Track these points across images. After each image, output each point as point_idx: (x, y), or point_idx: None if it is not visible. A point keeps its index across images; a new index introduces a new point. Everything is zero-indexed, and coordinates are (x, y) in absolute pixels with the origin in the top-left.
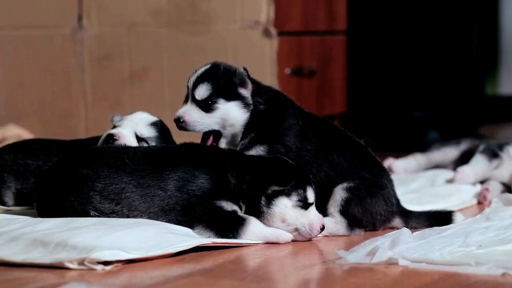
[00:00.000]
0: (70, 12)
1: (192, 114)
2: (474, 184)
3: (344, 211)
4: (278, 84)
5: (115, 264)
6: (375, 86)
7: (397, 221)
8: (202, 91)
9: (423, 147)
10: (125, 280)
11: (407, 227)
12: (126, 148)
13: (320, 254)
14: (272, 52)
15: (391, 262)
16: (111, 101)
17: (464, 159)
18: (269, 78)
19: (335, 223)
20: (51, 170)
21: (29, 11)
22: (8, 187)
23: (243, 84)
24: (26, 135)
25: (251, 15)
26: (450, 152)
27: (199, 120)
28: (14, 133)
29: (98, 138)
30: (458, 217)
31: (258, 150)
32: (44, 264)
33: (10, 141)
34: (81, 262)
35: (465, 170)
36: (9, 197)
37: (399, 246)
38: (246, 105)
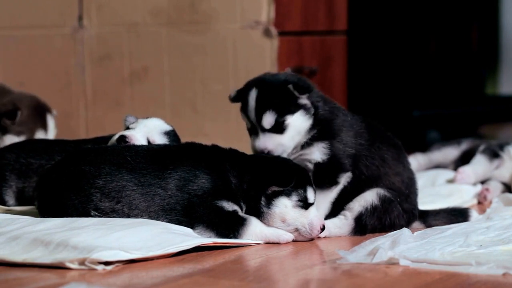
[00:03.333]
0: (70, 12)
1: (271, 142)
2: (475, 184)
3: (360, 218)
4: None
5: (116, 264)
6: (375, 86)
7: (415, 225)
8: (269, 120)
9: (423, 147)
10: (126, 280)
11: (427, 227)
12: (128, 147)
13: (321, 254)
14: (272, 52)
15: (392, 262)
16: (111, 100)
17: (464, 159)
18: None
19: (339, 227)
20: (53, 168)
21: (29, 11)
22: (9, 186)
23: (299, 94)
24: None
25: (252, 15)
26: (451, 152)
27: (280, 143)
28: None
29: (101, 138)
30: (474, 214)
31: (319, 146)
32: (45, 264)
33: None
34: (82, 262)
35: (466, 170)
36: (9, 196)
37: (399, 246)
38: (307, 110)
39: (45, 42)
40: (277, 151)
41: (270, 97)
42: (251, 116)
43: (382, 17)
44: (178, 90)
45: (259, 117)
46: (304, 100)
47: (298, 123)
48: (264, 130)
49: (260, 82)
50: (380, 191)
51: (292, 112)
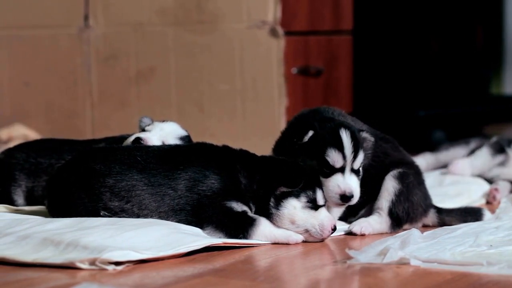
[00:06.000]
0: (76, 11)
1: (357, 186)
2: (473, 175)
3: (391, 212)
4: (284, 84)
5: (127, 264)
6: (381, 86)
7: (431, 214)
8: (360, 159)
9: (429, 147)
10: (136, 280)
11: (441, 221)
12: (139, 147)
13: (331, 254)
14: (279, 51)
15: (402, 262)
16: (117, 100)
17: None
18: (275, 78)
19: (380, 223)
20: (63, 167)
21: (35, 10)
22: (19, 185)
23: (365, 141)
24: (32, 135)
25: (258, 15)
26: (459, 152)
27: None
28: (21, 132)
29: (111, 138)
30: (487, 214)
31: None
32: (55, 264)
33: (17, 141)
34: (93, 262)
35: (460, 162)
36: (18, 195)
37: (409, 246)
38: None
39: (51, 42)
40: (356, 198)
41: (359, 139)
42: (348, 154)
43: (387, 17)
44: (184, 90)
45: (355, 156)
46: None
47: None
48: (352, 171)
49: (345, 125)
50: (394, 172)
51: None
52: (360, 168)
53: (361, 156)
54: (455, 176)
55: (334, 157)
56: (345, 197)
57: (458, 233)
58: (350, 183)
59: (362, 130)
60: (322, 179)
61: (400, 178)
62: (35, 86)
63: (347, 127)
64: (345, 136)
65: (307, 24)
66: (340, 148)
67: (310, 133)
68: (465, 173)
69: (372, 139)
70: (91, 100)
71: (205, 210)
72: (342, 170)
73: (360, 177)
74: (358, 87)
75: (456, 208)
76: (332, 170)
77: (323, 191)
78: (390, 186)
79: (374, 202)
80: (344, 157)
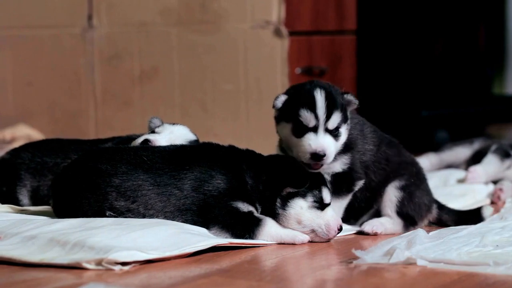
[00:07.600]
0: (80, 11)
1: (330, 144)
2: (486, 183)
3: (400, 212)
4: (288, 83)
5: (133, 264)
6: (384, 86)
7: (434, 210)
8: (335, 120)
9: (432, 147)
10: (143, 280)
11: (438, 217)
12: (145, 147)
13: (337, 254)
14: (283, 51)
15: (409, 262)
16: (120, 100)
17: (476, 158)
18: (279, 77)
19: (393, 224)
20: (69, 166)
21: (39, 10)
22: (24, 185)
23: (349, 105)
24: (36, 135)
25: (262, 15)
26: (462, 152)
27: (334, 148)
28: (24, 132)
29: (116, 138)
30: (486, 211)
31: (342, 159)
32: (62, 264)
33: (21, 141)
34: (99, 263)
35: (477, 170)
36: (24, 195)
37: (416, 246)
38: (348, 123)
39: (54, 41)
40: (330, 157)
41: (337, 100)
42: (320, 113)
43: (390, 17)
44: (188, 90)
45: (329, 115)
46: (349, 113)
47: (344, 134)
48: (326, 131)
49: (321, 85)
50: (396, 183)
51: (345, 121)
52: (341, 130)
53: (336, 117)
54: (460, 176)
55: (306, 117)
56: (316, 156)
57: (463, 233)
58: (323, 142)
59: (347, 92)
60: (295, 139)
61: (402, 189)
62: (38, 86)
63: (322, 87)
64: (319, 96)
65: (311, 24)
66: (312, 108)
67: (283, 97)
68: (481, 181)
69: (357, 101)
70: (94, 100)
71: (211, 210)
72: (315, 129)
73: (340, 138)
74: (362, 87)
75: (457, 210)
76: (304, 130)
77: (329, 190)
78: (392, 195)
79: (376, 209)
80: (316, 116)
